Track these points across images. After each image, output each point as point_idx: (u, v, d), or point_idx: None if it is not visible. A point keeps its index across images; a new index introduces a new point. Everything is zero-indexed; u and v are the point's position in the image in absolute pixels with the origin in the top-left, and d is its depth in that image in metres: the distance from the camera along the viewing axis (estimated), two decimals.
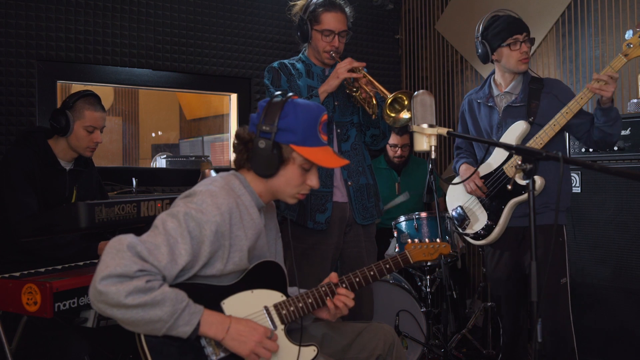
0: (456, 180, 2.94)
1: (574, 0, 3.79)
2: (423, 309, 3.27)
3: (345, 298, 1.89)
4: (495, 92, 2.74)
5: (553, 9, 3.89)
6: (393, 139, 4.05)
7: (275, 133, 1.75)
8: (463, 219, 2.84)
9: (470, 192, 2.76)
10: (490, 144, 2.00)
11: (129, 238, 1.58)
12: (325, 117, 1.83)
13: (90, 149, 2.68)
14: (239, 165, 1.86)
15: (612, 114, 2.49)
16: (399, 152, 4.10)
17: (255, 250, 1.83)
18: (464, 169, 2.82)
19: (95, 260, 2.45)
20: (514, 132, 2.61)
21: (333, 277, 1.94)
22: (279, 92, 1.83)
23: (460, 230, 2.86)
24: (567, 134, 2.92)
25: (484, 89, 2.80)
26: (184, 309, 1.58)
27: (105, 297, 1.51)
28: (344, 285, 1.93)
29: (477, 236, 2.79)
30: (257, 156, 1.78)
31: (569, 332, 2.59)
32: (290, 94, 1.83)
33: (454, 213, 2.89)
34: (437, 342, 3.42)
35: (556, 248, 2.60)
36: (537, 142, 2.55)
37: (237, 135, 1.85)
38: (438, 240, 2.20)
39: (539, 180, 2.55)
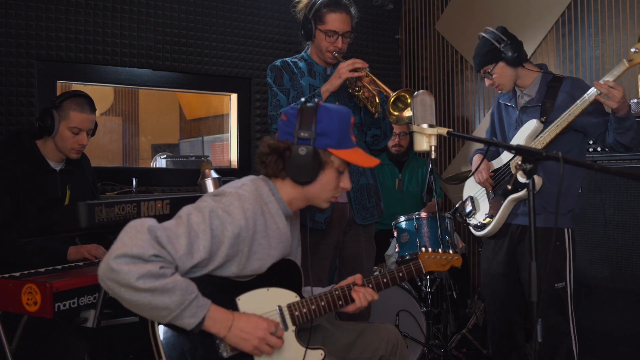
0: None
1: (574, 0, 3.79)
2: (423, 309, 3.27)
3: (365, 292, 1.93)
4: (518, 92, 2.76)
5: (553, 9, 3.89)
6: None
7: (314, 139, 1.75)
8: (471, 208, 2.89)
9: (478, 183, 2.79)
10: (490, 144, 2.00)
11: (151, 221, 1.58)
12: (353, 119, 1.85)
13: (75, 151, 2.63)
14: (271, 175, 1.84)
15: (626, 124, 2.43)
16: (396, 139, 4.08)
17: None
18: (476, 159, 2.85)
19: (96, 261, 2.45)
20: (525, 131, 2.61)
21: (357, 279, 1.96)
22: (303, 99, 1.83)
23: (467, 219, 2.91)
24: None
25: (510, 92, 2.81)
26: (192, 300, 1.58)
27: (117, 275, 1.50)
28: None
29: (476, 227, 2.84)
30: (296, 164, 1.77)
31: (565, 336, 2.56)
32: (316, 99, 1.84)
33: (465, 202, 2.94)
34: (437, 342, 3.42)
35: (552, 252, 2.56)
36: (540, 141, 2.54)
37: (270, 146, 1.82)
38: (451, 251, 2.21)
39: (536, 179, 2.54)
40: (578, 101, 2.45)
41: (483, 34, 2.70)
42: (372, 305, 3.03)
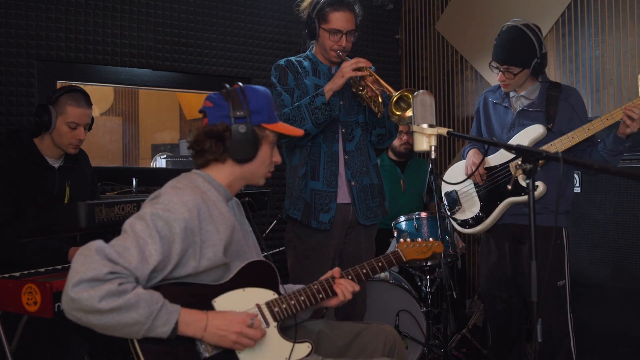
0: (460, 162, 2.97)
1: (574, 0, 3.79)
2: (423, 309, 3.27)
3: (346, 284, 1.93)
4: (512, 93, 2.74)
5: (553, 9, 3.89)
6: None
7: (249, 116, 1.81)
8: (455, 203, 2.87)
9: (467, 175, 2.78)
10: (490, 144, 2.00)
11: (97, 243, 1.57)
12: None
13: (73, 146, 2.63)
14: (211, 161, 1.85)
15: (621, 148, 2.48)
16: (404, 137, 4.07)
17: (232, 245, 1.83)
18: (472, 153, 2.84)
19: None
20: (529, 135, 2.60)
21: (335, 272, 1.97)
22: (227, 84, 1.88)
23: (449, 213, 2.89)
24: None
25: (500, 90, 2.79)
26: (160, 309, 1.57)
27: (79, 303, 1.49)
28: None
29: (464, 224, 2.84)
30: (238, 143, 1.81)
31: (565, 335, 2.57)
32: (240, 83, 1.88)
33: (447, 196, 2.91)
34: (437, 342, 3.42)
35: (554, 250, 2.58)
36: (551, 149, 2.54)
37: (206, 132, 1.82)
38: (431, 239, 2.21)
39: (541, 187, 2.55)
40: (602, 118, 2.46)
41: (528, 33, 2.55)
42: (372, 305, 3.05)
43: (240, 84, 1.88)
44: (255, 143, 1.83)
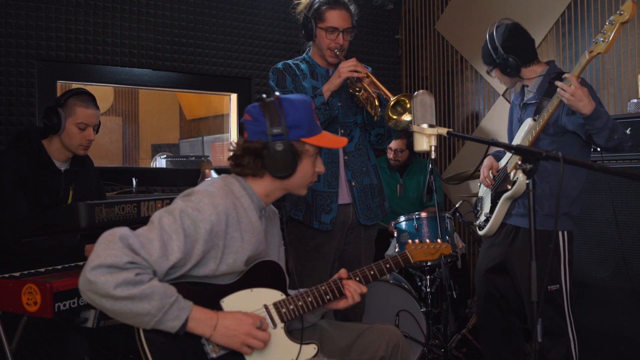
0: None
1: (574, 0, 3.79)
2: (423, 309, 3.27)
3: (354, 286, 1.93)
4: (525, 90, 2.75)
5: (553, 9, 3.89)
6: None
7: (287, 133, 1.77)
8: (478, 209, 2.90)
9: (481, 181, 2.80)
10: (490, 144, 1.99)
11: (122, 230, 1.59)
12: (313, 104, 1.89)
13: (83, 147, 2.64)
14: (249, 174, 1.84)
15: (596, 124, 2.34)
16: (391, 155, 4.12)
17: (257, 257, 1.84)
18: (486, 160, 2.83)
19: None
20: (522, 130, 2.60)
21: (342, 273, 1.97)
22: (264, 95, 1.83)
23: (476, 219, 2.91)
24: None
25: (520, 89, 2.80)
26: (172, 303, 1.58)
27: (95, 286, 1.52)
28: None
29: (479, 227, 2.85)
30: (275, 161, 1.78)
31: (564, 338, 2.54)
32: (277, 92, 1.85)
33: (477, 202, 2.96)
34: (437, 342, 3.42)
35: (545, 254, 2.54)
36: (526, 140, 2.54)
37: (245, 149, 1.82)
38: (439, 240, 2.20)
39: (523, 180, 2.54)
40: (548, 105, 2.43)
41: (487, 34, 2.65)
42: (372, 305, 3.05)
43: (278, 93, 1.84)
44: (294, 159, 1.80)
